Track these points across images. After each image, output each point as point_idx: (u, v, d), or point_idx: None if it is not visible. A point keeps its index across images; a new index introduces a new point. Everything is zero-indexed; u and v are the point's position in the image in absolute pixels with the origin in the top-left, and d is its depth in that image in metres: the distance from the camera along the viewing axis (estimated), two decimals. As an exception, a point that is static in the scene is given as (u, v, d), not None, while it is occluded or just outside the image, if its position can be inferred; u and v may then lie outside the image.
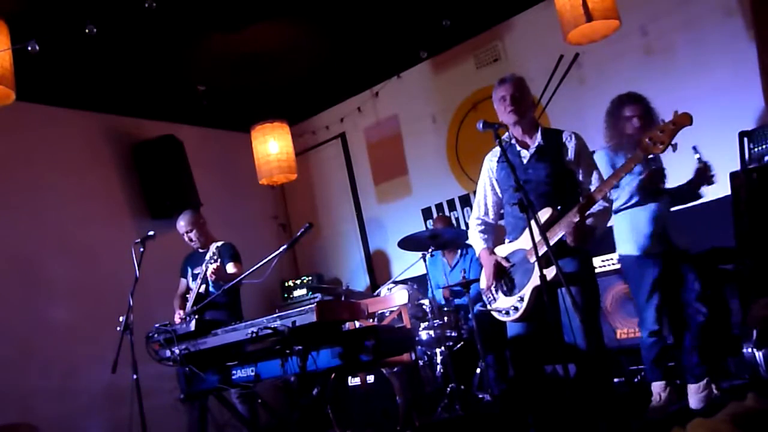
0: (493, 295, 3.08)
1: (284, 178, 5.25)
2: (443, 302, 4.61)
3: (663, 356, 3.42)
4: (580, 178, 2.97)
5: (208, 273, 3.77)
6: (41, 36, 3.35)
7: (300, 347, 2.96)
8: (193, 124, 5.96)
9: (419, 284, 4.72)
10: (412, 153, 5.84)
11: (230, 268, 4.15)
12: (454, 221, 5.50)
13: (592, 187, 2.91)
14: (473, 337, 4.00)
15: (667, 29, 4.44)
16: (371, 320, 4.08)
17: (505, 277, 3.01)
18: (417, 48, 5.29)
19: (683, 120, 2.65)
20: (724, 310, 3.65)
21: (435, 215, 5.63)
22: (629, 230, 3.48)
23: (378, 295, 4.42)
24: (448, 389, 3.96)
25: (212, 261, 3.73)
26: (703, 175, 3.51)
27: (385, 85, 5.90)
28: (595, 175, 2.97)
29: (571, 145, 2.98)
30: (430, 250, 4.40)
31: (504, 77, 3.06)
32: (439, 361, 4.15)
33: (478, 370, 4.16)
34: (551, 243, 2.70)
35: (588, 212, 2.84)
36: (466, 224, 5.03)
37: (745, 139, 3.60)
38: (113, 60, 4.58)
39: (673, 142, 2.72)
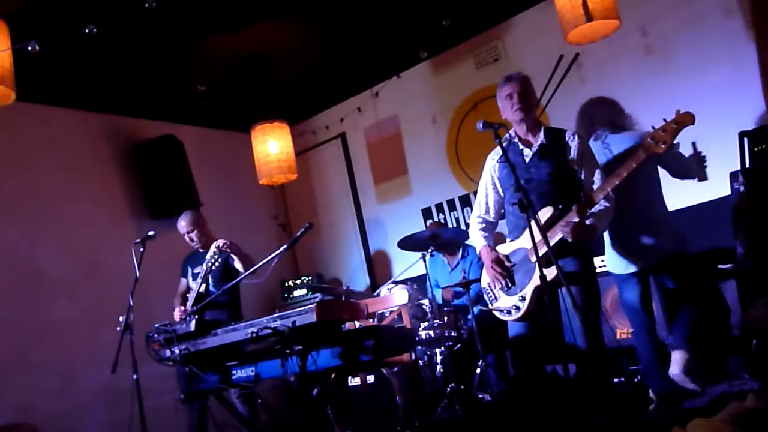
0: (494, 294, 3.08)
1: (284, 178, 5.25)
2: (442, 302, 4.61)
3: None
4: (583, 178, 2.97)
5: (221, 244, 3.74)
6: (41, 36, 3.35)
7: (300, 347, 2.96)
8: (193, 124, 5.96)
9: (419, 284, 4.72)
10: (412, 153, 5.84)
11: (235, 264, 4.14)
12: (454, 222, 5.50)
13: (595, 187, 2.91)
14: (473, 337, 4.00)
15: (667, 29, 4.44)
16: (371, 320, 4.08)
17: (506, 275, 3.02)
18: (417, 48, 5.29)
19: (685, 119, 2.65)
20: (723, 309, 3.65)
21: (435, 215, 5.63)
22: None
23: (378, 295, 4.42)
24: (448, 389, 3.95)
25: (214, 257, 3.73)
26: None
27: (385, 85, 5.90)
28: (597, 175, 2.96)
29: (573, 145, 2.99)
30: (430, 250, 4.40)
31: (510, 75, 3.08)
32: (439, 361, 4.15)
33: (478, 370, 4.16)
34: (552, 243, 2.70)
35: (589, 212, 2.84)
36: (467, 224, 5.03)
37: (745, 139, 3.60)
38: (113, 60, 4.58)
39: (675, 142, 2.72)
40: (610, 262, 3.42)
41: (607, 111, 3.43)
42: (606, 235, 3.40)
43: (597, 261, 4.04)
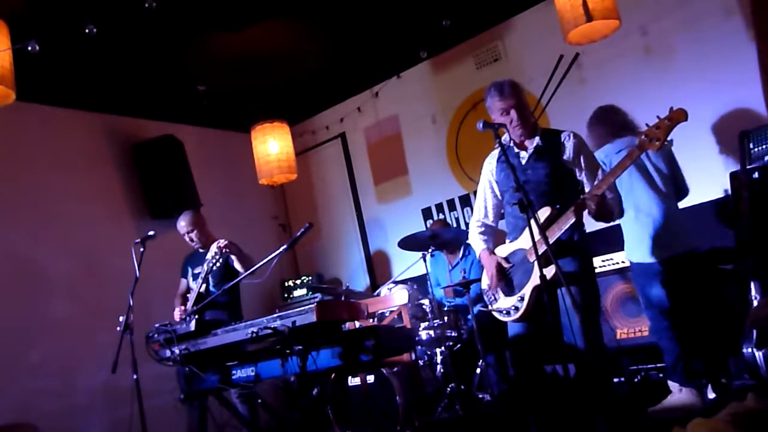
0: (494, 295, 3.08)
1: (284, 178, 5.25)
2: (444, 300, 4.62)
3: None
4: (584, 178, 2.96)
5: (222, 244, 3.74)
6: (41, 36, 3.35)
7: (300, 347, 2.96)
8: (193, 124, 5.96)
9: (419, 284, 4.72)
10: (412, 153, 5.84)
11: (235, 264, 4.14)
12: (454, 222, 5.50)
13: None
14: (473, 337, 4.00)
15: (667, 29, 4.44)
16: (371, 320, 4.08)
17: (505, 278, 3.02)
18: (417, 48, 5.29)
19: (678, 116, 2.65)
20: (724, 310, 3.66)
21: (435, 215, 5.63)
22: None
23: (378, 295, 4.42)
24: (448, 389, 3.96)
25: (215, 257, 3.73)
26: None
27: (385, 85, 5.89)
28: (600, 175, 2.96)
29: (569, 145, 2.99)
30: (430, 250, 4.40)
31: (501, 87, 3.00)
32: (439, 361, 4.15)
33: (478, 370, 4.16)
34: (551, 242, 2.70)
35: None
36: (467, 224, 5.03)
37: (745, 139, 3.60)
38: (113, 60, 4.58)
39: (669, 138, 2.72)
40: (633, 252, 3.58)
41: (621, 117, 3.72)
42: (627, 225, 3.59)
43: (597, 261, 4.06)
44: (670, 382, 3.45)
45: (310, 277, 6.05)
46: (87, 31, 3.54)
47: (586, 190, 2.94)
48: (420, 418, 3.77)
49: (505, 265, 3.03)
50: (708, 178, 4.15)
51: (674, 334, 3.42)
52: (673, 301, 3.44)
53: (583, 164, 2.97)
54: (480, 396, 4.08)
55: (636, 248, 3.54)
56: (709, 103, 4.15)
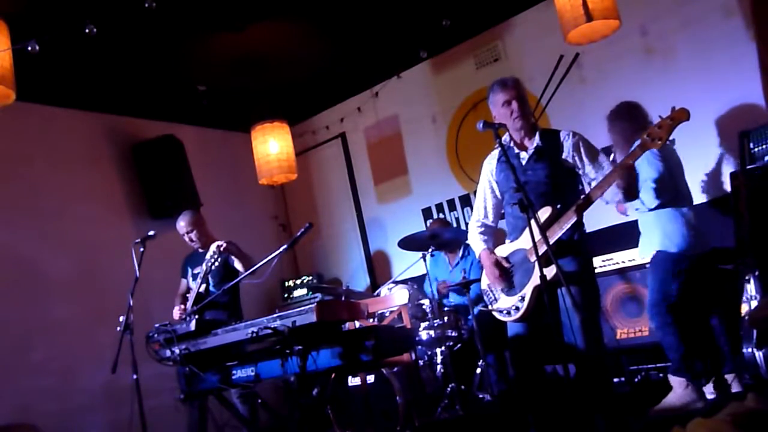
0: (494, 295, 3.08)
1: (284, 178, 5.25)
2: (437, 296, 4.60)
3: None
4: (590, 169, 2.95)
5: (221, 245, 3.73)
6: (41, 36, 3.35)
7: (300, 347, 2.96)
8: (193, 124, 5.96)
9: (419, 284, 4.72)
10: (412, 153, 5.84)
11: (235, 264, 4.14)
12: (454, 221, 5.50)
13: (601, 172, 2.91)
14: (473, 337, 4.00)
15: (667, 29, 4.44)
16: (371, 320, 4.08)
17: (506, 275, 3.02)
18: (417, 48, 5.29)
19: (681, 115, 2.65)
20: (724, 310, 3.65)
21: (435, 215, 5.64)
22: None
23: (378, 295, 4.42)
24: (448, 389, 3.96)
25: (214, 257, 3.73)
26: None
27: (385, 85, 5.89)
28: (601, 157, 2.98)
29: (567, 143, 2.99)
30: (430, 250, 4.40)
31: (504, 81, 3.04)
32: (439, 361, 4.15)
33: (478, 370, 4.16)
34: (551, 242, 2.70)
35: None
36: (467, 224, 5.03)
37: (745, 139, 3.60)
38: (113, 60, 4.58)
39: (671, 138, 2.72)
40: (666, 241, 3.48)
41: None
42: (663, 214, 3.49)
43: (597, 261, 4.06)
44: (671, 377, 3.43)
45: (310, 277, 6.05)
46: (87, 31, 3.54)
47: (592, 179, 2.94)
48: (420, 418, 3.77)
49: (505, 264, 3.03)
50: (708, 178, 4.16)
51: (678, 330, 3.40)
52: (686, 297, 3.42)
53: (584, 155, 2.96)
54: (480, 396, 4.08)
55: (671, 237, 3.45)
56: (709, 103, 4.15)
